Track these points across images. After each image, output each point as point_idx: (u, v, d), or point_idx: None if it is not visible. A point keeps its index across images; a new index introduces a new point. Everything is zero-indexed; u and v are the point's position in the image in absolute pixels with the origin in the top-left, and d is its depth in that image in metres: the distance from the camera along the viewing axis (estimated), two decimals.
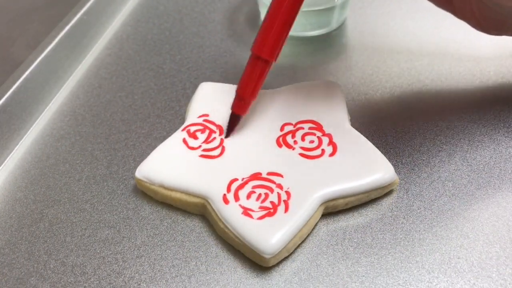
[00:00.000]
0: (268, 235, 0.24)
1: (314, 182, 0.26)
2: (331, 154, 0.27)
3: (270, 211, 0.25)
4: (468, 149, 0.29)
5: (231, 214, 0.25)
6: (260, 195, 0.25)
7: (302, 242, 0.25)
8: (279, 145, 0.28)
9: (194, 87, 0.34)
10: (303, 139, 0.28)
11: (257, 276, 0.24)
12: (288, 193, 0.25)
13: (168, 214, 0.27)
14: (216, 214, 0.25)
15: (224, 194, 0.25)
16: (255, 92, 0.28)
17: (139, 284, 0.24)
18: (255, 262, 0.24)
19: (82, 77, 0.35)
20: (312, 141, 0.28)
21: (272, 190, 0.26)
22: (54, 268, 0.25)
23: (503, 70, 0.33)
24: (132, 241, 0.26)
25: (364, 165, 0.26)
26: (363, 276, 0.24)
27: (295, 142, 0.28)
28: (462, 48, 0.35)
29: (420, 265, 0.24)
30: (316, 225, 0.26)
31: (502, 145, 0.29)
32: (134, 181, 0.28)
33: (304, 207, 0.25)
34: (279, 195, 0.25)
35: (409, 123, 0.30)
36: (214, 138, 0.28)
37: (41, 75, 0.33)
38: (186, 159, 0.27)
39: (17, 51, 0.37)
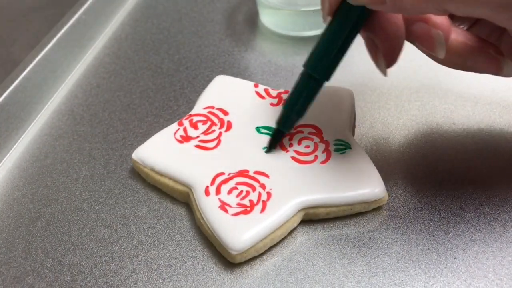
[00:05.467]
0: (238, 232, 0.24)
1: (297, 187, 0.26)
2: (323, 162, 0.27)
3: (247, 209, 0.25)
4: (466, 148, 0.29)
5: (208, 206, 0.25)
6: (241, 192, 0.26)
7: (286, 242, 0.25)
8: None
9: (192, 87, 0.34)
10: (299, 143, 0.28)
11: (253, 275, 0.24)
12: (269, 194, 0.25)
13: (165, 213, 0.27)
14: (196, 204, 0.26)
15: (207, 186, 0.26)
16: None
17: (136, 283, 0.24)
18: (224, 256, 0.25)
19: (80, 77, 0.36)
20: (307, 146, 0.27)
21: (254, 189, 0.26)
22: (51, 267, 0.25)
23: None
24: (129, 240, 0.26)
25: (353, 177, 0.26)
26: (359, 276, 0.24)
27: (290, 145, 0.28)
28: None
29: (416, 265, 0.24)
30: (305, 226, 0.26)
31: (502, 145, 0.29)
32: (131, 180, 0.28)
33: (281, 210, 0.25)
34: (259, 195, 0.25)
35: (408, 122, 0.30)
36: (214, 130, 0.29)
37: (39, 75, 0.33)
38: (180, 148, 0.28)
39: (17, 51, 0.37)
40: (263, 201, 0.25)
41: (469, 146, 0.29)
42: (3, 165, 0.30)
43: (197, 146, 0.28)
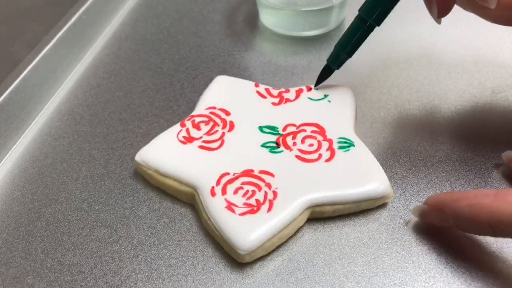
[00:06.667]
0: (246, 232, 0.24)
1: (302, 186, 0.26)
2: (328, 160, 0.27)
3: (253, 209, 0.25)
4: (465, 148, 0.29)
5: (215, 206, 0.25)
6: (247, 191, 0.26)
7: (286, 241, 0.25)
8: (278, 145, 0.28)
9: (192, 87, 0.34)
10: (303, 141, 0.28)
11: (253, 276, 0.24)
12: (275, 193, 0.25)
13: (165, 213, 0.27)
14: (202, 205, 0.26)
15: (213, 187, 0.26)
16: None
17: (136, 283, 0.24)
18: (231, 256, 0.25)
19: (80, 77, 0.36)
20: (311, 145, 0.27)
21: (260, 188, 0.26)
22: (51, 267, 0.25)
23: (501, 71, 0.33)
24: (129, 240, 0.26)
25: (358, 174, 0.26)
26: (360, 275, 0.24)
27: (294, 143, 0.28)
28: (461, 49, 0.35)
29: (416, 265, 0.24)
30: (305, 225, 0.26)
31: (502, 145, 0.29)
32: (132, 180, 0.28)
33: (288, 209, 0.25)
34: (265, 194, 0.25)
35: (407, 122, 0.30)
36: (216, 131, 0.29)
37: (39, 74, 0.33)
38: (184, 149, 0.28)
39: (17, 51, 0.37)
40: (270, 200, 0.25)
41: (469, 146, 0.29)
42: (3, 165, 0.30)
43: (201, 147, 0.28)
